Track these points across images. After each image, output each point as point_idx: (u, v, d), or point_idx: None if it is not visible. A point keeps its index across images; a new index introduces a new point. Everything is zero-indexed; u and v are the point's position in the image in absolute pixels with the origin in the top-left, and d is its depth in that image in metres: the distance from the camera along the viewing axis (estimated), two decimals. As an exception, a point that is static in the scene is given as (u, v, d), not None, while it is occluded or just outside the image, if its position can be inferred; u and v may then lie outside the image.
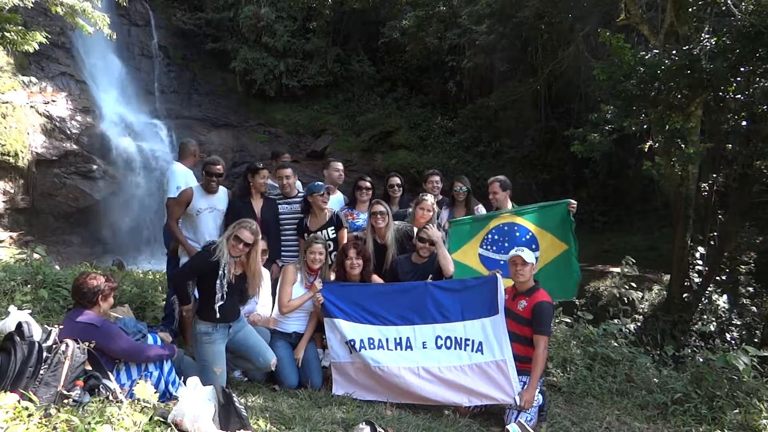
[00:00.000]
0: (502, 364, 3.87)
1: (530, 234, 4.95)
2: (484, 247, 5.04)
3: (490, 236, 5.05)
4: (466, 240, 5.06)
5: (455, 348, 4.02)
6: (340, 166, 5.64)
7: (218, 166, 4.68)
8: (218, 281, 3.64)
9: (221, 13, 18.20)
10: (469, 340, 4.00)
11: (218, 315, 3.68)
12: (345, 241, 4.67)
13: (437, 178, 5.49)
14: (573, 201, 4.84)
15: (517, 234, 4.97)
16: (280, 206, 4.96)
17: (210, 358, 3.70)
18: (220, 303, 3.65)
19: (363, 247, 4.42)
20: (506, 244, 4.91)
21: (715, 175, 9.41)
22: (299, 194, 4.99)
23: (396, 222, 4.73)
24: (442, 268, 4.47)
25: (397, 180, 5.42)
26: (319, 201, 4.65)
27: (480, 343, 3.97)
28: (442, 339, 4.06)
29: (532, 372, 3.79)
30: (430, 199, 4.80)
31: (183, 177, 4.83)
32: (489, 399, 3.88)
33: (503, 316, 3.96)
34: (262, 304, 4.48)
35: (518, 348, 3.91)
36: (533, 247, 4.92)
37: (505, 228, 5.01)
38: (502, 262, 4.86)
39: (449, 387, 3.92)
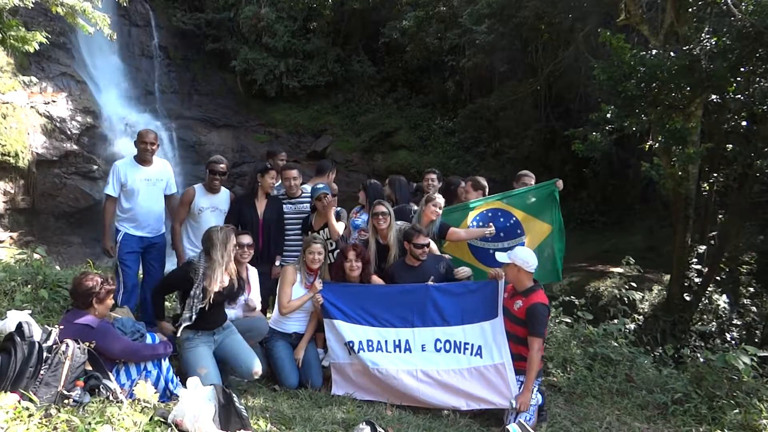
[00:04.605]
0: (501, 367, 3.87)
1: (513, 219, 4.91)
2: None
3: (474, 224, 5.00)
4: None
5: (454, 351, 4.01)
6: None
7: (221, 165, 4.73)
8: (189, 300, 3.65)
9: (221, 14, 18.20)
10: (468, 344, 4.00)
11: (192, 323, 3.67)
12: (338, 233, 4.65)
13: (434, 176, 5.49)
14: (560, 180, 4.85)
15: (501, 220, 4.93)
16: (284, 206, 4.95)
17: (193, 361, 3.71)
18: (187, 323, 3.65)
19: (363, 249, 4.39)
20: None
21: (715, 175, 9.40)
22: (303, 194, 4.99)
23: (398, 222, 4.70)
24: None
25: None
26: (321, 205, 4.63)
27: (479, 347, 3.97)
28: (441, 342, 4.05)
29: (527, 374, 3.77)
30: (441, 200, 4.76)
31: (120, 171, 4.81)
32: (487, 403, 3.88)
33: (502, 319, 3.97)
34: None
35: (512, 346, 3.92)
36: (518, 232, 4.89)
37: (489, 214, 4.97)
38: (491, 251, 4.82)
39: (447, 390, 3.92)
